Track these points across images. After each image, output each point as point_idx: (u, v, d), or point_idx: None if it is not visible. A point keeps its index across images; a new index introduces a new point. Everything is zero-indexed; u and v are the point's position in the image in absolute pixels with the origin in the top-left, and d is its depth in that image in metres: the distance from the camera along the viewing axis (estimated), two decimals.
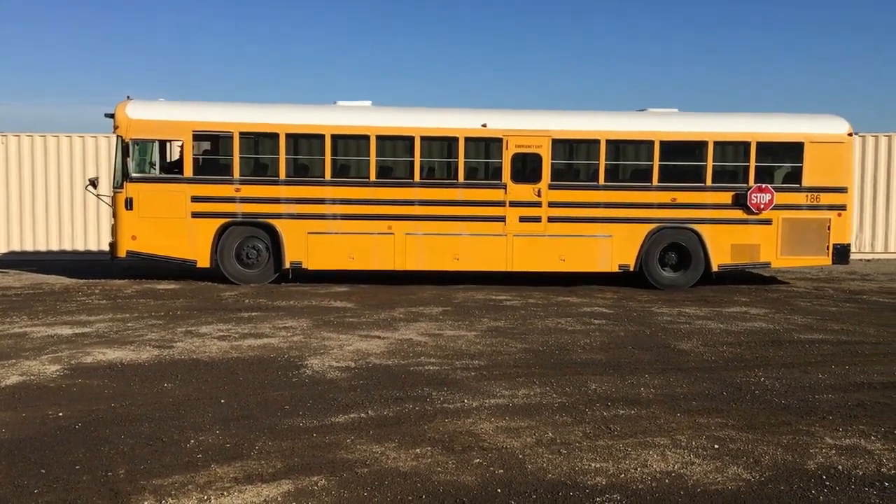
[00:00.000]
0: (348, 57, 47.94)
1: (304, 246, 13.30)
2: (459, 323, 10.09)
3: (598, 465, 5.06)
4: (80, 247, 17.90)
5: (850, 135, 13.59)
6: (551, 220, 13.37)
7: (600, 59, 46.73)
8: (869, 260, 17.80)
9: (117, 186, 13.20)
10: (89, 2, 45.83)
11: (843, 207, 13.53)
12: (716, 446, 5.43)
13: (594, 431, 5.74)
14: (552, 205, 13.36)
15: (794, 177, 13.49)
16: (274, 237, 13.33)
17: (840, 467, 5.05)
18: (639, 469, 5.00)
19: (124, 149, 13.06)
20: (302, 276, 13.67)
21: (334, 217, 13.30)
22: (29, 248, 17.74)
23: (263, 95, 46.97)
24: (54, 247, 17.82)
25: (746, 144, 13.44)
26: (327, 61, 48.84)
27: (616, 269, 13.52)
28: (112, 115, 13.18)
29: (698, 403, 6.50)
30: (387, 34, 48.20)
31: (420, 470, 4.95)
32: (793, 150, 13.50)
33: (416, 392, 6.74)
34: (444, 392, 6.74)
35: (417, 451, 5.29)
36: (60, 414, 6.05)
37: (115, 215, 13.32)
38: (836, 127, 13.60)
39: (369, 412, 6.14)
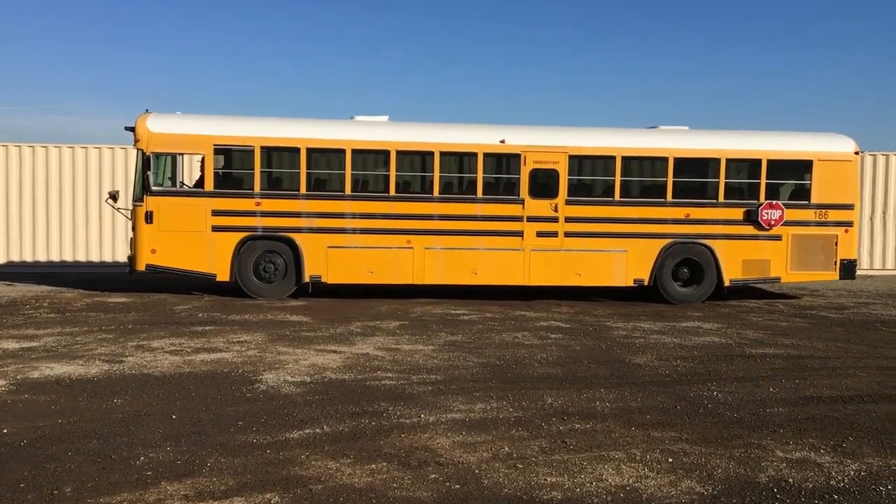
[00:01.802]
0: (350, 72, 47.86)
1: (324, 260, 13.26)
2: (417, 337, 10.06)
3: (554, 480, 5.06)
4: (94, 258, 17.79)
5: (856, 153, 14.00)
6: (568, 234, 13.54)
7: (593, 76, 47.30)
8: None
9: (137, 200, 13.04)
10: (80, 13, 45.06)
11: (849, 224, 13.91)
12: (670, 460, 5.47)
13: (550, 446, 5.75)
14: (569, 220, 13.51)
15: (803, 194, 13.85)
16: (294, 251, 13.26)
17: (791, 480, 5.12)
18: (594, 483, 5.02)
19: (145, 162, 12.90)
20: (321, 289, 13.61)
21: (354, 231, 13.31)
22: (30, 258, 17.59)
23: (260, 110, 46.66)
24: (67, 258, 17.67)
25: (757, 162, 13.74)
26: (330, 76, 48.69)
27: (631, 284, 13.72)
28: (132, 129, 13.06)
29: (653, 417, 6.55)
30: (388, 48, 48.22)
31: (375, 486, 4.91)
32: (802, 168, 13.87)
33: (372, 407, 6.69)
34: (401, 407, 6.70)
35: (373, 466, 5.24)
36: (5, 430, 5.87)
37: (134, 229, 13.18)
38: (843, 145, 13.98)
39: (324, 427, 6.08)
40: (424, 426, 6.16)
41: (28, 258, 17.56)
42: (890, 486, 5.04)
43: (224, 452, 5.46)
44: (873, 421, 6.54)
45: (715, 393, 7.41)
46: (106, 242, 17.75)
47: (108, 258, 17.83)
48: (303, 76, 48.78)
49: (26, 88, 45.05)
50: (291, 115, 14.12)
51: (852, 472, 5.29)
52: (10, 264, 17.45)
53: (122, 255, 17.57)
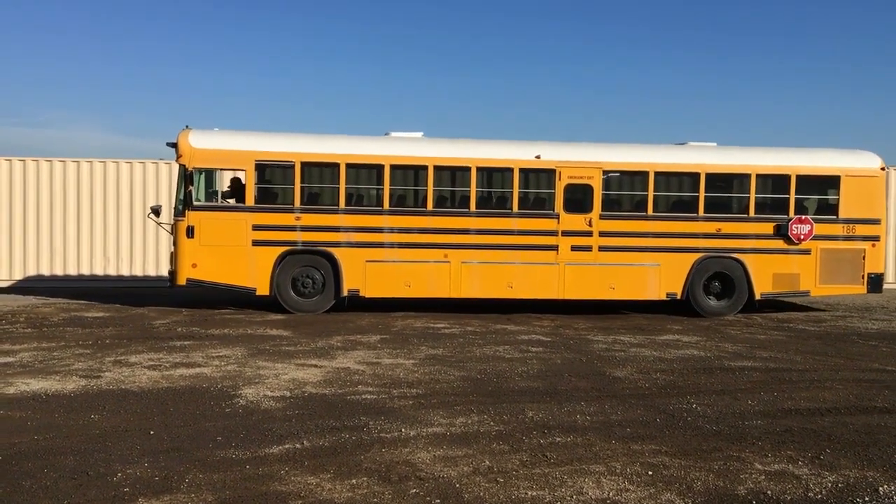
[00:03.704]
0: (369, 88, 47.73)
1: (362, 274, 13.34)
2: (398, 351, 10.04)
3: (534, 494, 5.06)
4: (96, 272, 17.70)
5: (882, 169, 14.29)
6: (602, 249, 13.68)
7: (604, 90, 47.43)
8: None
9: (179, 215, 13.07)
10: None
11: (876, 238, 14.14)
12: (649, 473, 5.49)
13: (531, 459, 5.75)
14: (603, 234, 13.67)
15: (832, 209, 14.08)
16: (333, 265, 13.30)
17: (769, 492, 5.15)
18: (574, 497, 5.02)
19: (187, 177, 12.93)
20: (357, 304, 13.73)
21: (392, 245, 13.40)
22: (48, 272, 17.52)
23: (274, 125, 46.43)
24: (84, 271, 17.62)
25: (787, 177, 13.95)
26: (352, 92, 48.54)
27: (664, 297, 13.87)
28: (174, 145, 13.10)
29: (633, 430, 6.58)
30: (396, 66, 48.14)
31: (356, 501, 4.88)
32: (830, 184, 14.12)
33: (352, 421, 6.67)
34: (382, 421, 6.68)
35: (353, 481, 5.22)
36: None
37: (175, 243, 13.19)
38: (869, 161, 14.27)
39: (304, 442, 6.04)
40: (405, 440, 6.14)
41: (46, 272, 17.49)
42: (867, 498, 5.08)
43: (202, 468, 5.41)
44: (850, 433, 6.60)
45: (694, 406, 7.45)
46: (123, 255, 17.80)
47: (125, 272, 17.81)
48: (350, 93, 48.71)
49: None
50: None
51: (830, 484, 5.33)
52: (27, 279, 17.34)
53: (139, 270, 17.76)
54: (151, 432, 6.27)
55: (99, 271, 17.60)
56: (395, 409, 7.13)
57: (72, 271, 17.52)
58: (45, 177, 17.40)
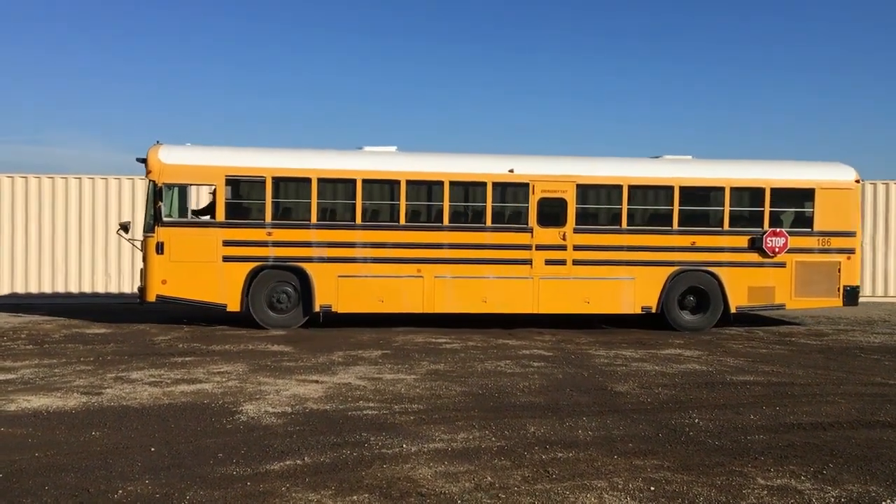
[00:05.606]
0: (350, 102, 47.80)
1: (335, 289, 13.26)
2: (399, 366, 10.03)
3: None
4: (97, 289, 17.75)
5: (857, 181, 14.26)
6: (576, 262, 13.64)
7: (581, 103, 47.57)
8: None
9: (148, 231, 12.99)
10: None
11: (851, 251, 14.11)
12: (652, 488, 5.47)
13: (533, 475, 5.74)
14: (577, 248, 13.64)
15: (806, 221, 14.06)
16: (304, 281, 13.26)
17: None
18: None
19: (157, 193, 12.88)
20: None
21: (364, 260, 13.34)
22: (37, 290, 17.55)
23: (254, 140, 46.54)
24: (69, 289, 17.61)
25: (761, 190, 13.95)
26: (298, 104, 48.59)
27: (639, 311, 13.82)
28: (144, 160, 13.04)
29: (635, 445, 6.56)
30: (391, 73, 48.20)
31: None
32: (805, 196, 14.11)
33: (353, 437, 6.65)
34: (383, 437, 6.67)
35: (354, 498, 5.20)
36: None
37: (145, 259, 13.12)
38: (844, 174, 14.27)
39: (305, 459, 6.03)
40: (406, 456, 6.13)
41: (48, 289, 17.51)
42: None
43: (203, 485, 5.40)
44: (853, 447, 6.58)
45: (696, 420, 7.43)
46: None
47: (126, 289, 17.79)
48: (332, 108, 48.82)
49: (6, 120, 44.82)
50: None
51: (832, 499, 5.31)
52: (29, 296, 17.35)
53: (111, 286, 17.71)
54: (152, 449, 6.26)
55: (100, 288, 17.61)
56: (397, 424, 7.12)
57: (73, 288, 17.54)
58: (47, 193, 17.45)
